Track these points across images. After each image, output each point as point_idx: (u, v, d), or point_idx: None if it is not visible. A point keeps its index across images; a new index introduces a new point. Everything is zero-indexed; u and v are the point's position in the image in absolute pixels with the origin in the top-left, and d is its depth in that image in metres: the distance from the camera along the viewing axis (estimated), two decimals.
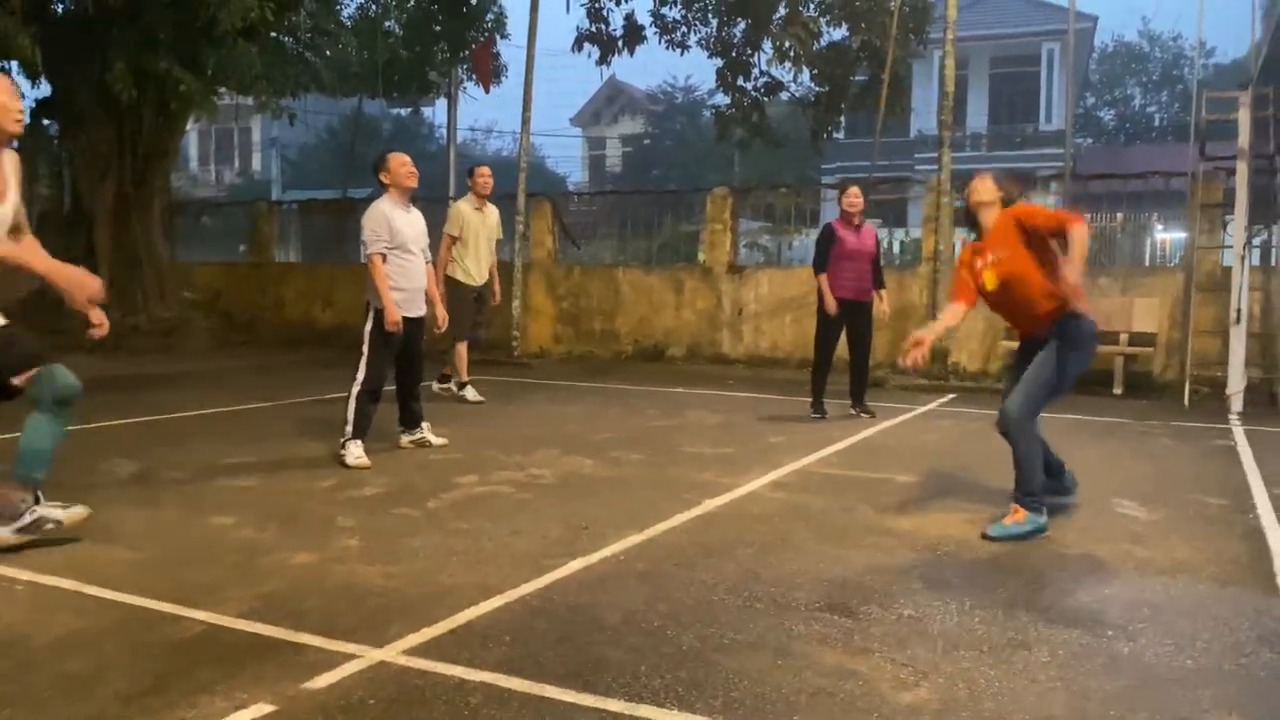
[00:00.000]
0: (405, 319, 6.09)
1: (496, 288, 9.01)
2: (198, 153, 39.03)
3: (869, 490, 5.51)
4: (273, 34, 14.16)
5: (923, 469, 6.10)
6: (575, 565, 3.98)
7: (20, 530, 4.01)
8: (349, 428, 5.99)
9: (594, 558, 4.09)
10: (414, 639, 3.15)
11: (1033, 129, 28.95)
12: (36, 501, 4.09)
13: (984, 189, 4.77)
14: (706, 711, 2.68)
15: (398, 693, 2.77)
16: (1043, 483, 4.71)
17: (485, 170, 8.99)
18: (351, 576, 3.80)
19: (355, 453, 5.95)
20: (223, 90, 14.54)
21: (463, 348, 8.76)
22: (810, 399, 8.12)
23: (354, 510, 4.83)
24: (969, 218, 4.87)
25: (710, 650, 3.12)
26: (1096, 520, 4.92)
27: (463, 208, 8.76)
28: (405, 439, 6.55)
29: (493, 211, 8.96)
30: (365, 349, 6.09)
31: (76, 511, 4.17)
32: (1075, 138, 26.36)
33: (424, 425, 6.60)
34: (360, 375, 6.07)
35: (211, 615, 3.35)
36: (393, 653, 3.04)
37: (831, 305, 7.80)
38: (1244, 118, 9.12)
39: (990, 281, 4.72)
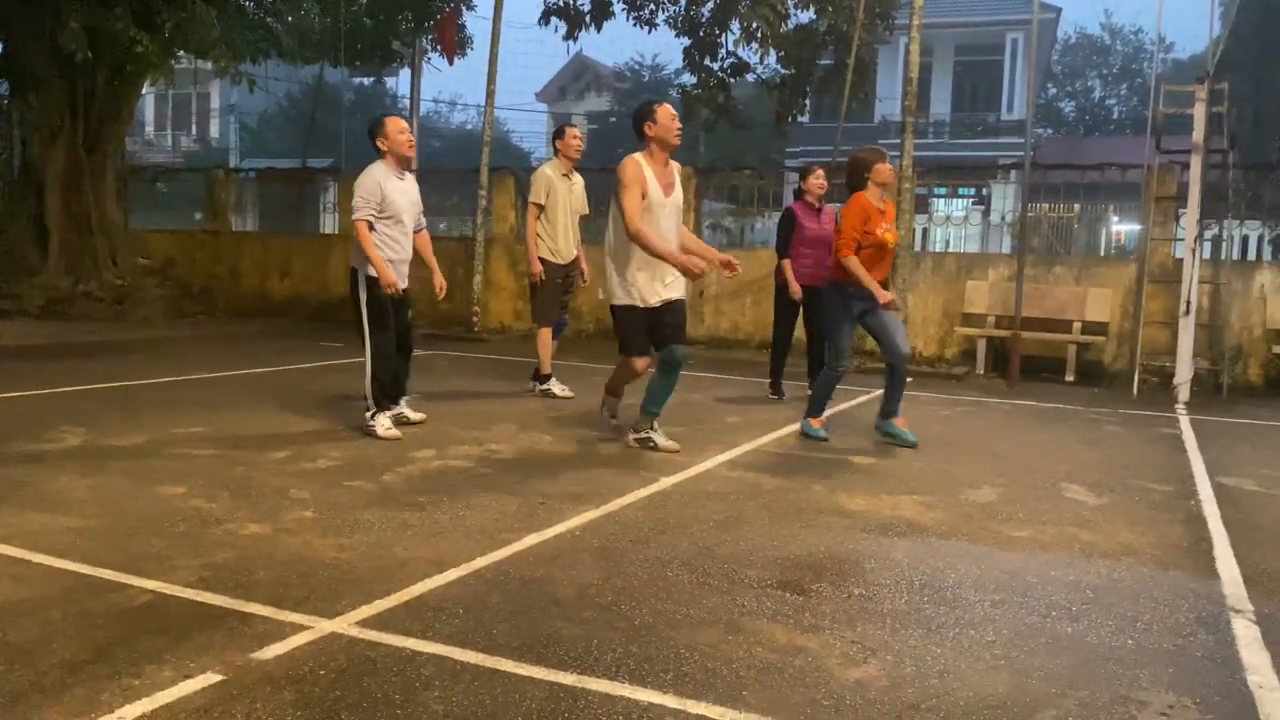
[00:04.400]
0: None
1: (585, 266, 7.84)
2: (154, 117, 38.24)
3: (824, 470, 5.56)
4: None
5: (877, 450, 6.17)
6: (530, 540, 3.98)
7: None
8: (370, 401, 5.94)
9: (549, 533, 4.09)
10: (366, 611, 3.14)
11: (995, 118, 29.21)
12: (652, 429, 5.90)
13: (890, 172, 6.39)
14: (657, 685, 2.70)
15: (348, 663, 2.76)
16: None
17: (576, 131, 7.76)
18: (303, 548, 3.77)
19: (384, 424, 5.93)
20: (180, 54, 14.25)
21: (547, 334, 7.76)
22: (769, 380, 8.18)
23: (308, 482, 4.79)
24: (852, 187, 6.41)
25: (662, 625, 3.14)
26: (1044, 504, 5.01)
27: (548, 173, 7.60)
28: None
29: (579, 181, 7.81)
30: (365, 319, 5.92)
31: None
32: (1036, 128, 26.64)
33: (403, 400, 6.35)
34: (369, 347, 5.93)
35: (159, 584, 3.31)
36: (344, 624, 3.03)
37: (796, 291, 7.84)
38: (1199, 112, 9.26)
39: (891, 241, 6.37)
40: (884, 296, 6.21)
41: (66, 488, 4.51)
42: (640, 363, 5.81)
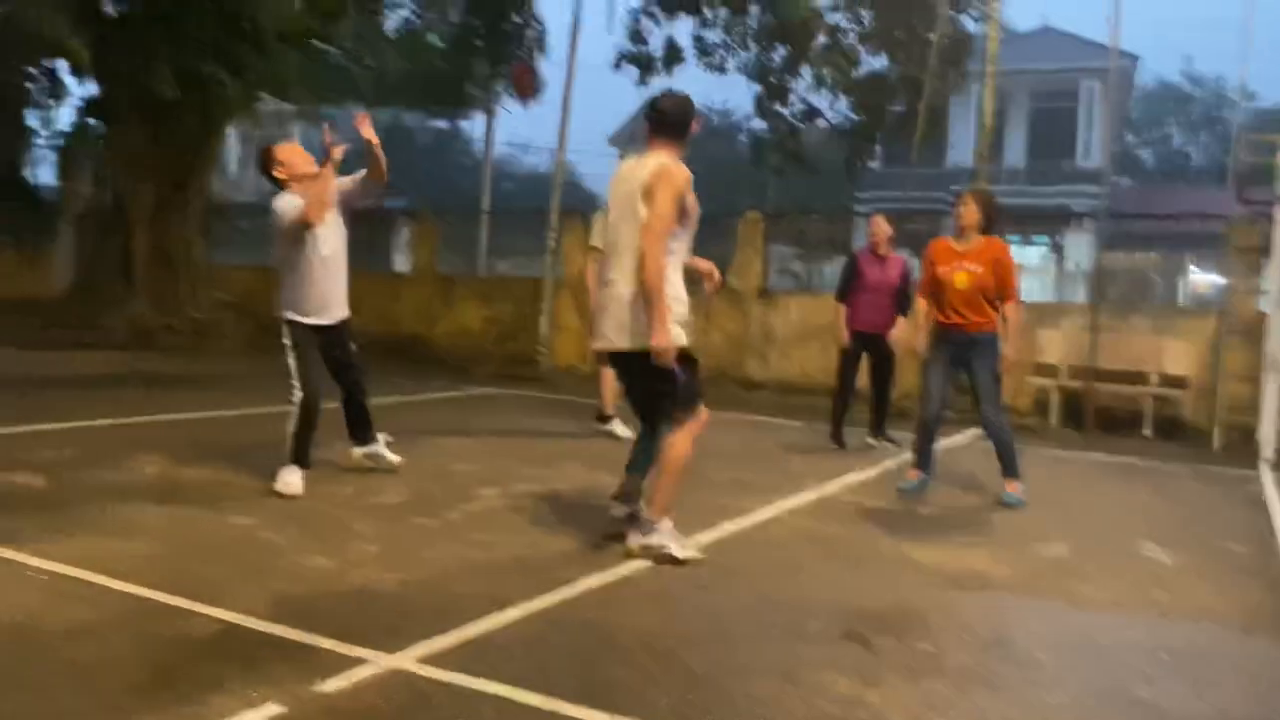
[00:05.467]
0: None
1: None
2: (237, 157, 39.54)
3: (890, 521, 5.46)
4: (315, 42, 14.36)
5: (946, 502, 6.04)
6: (591, 581, 3.97)
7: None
8: (288, 450, 5.37)
9: (610, 575, 4.07)
10: (427, 647, 3.15)
11: (1070, 165, 28.77)
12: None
13: (969, 214, 6.03)
14: None
15: (409, 699, 2.77)
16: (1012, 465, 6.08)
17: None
18: (367, 582, 3.81)
19: (288, 479, 5.25)
20: (264, 96, 14.76)
21: (609, 375, 7.38)
22: (830, 428, 8.07)
23: (373, 518, 4.85)
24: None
25: (721, 673, 3.10)
26: (1119, 561, 4.85)
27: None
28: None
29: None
30: (292, 364, 5.38)
31: None
32: (1113, 176, 26.19)
33: (380, 439, 5.91)
34: (296, 394, 5.36)
35: (226, 613, 3.36)
36: (405, 660, 3.04)
37: (841, 338, 7.80)
38: None
39: (961, 282, 5.95)
40: (902, 343, 6.23)
41: (141, 515, 4.62)
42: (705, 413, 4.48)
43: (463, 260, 16.72)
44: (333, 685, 2.82)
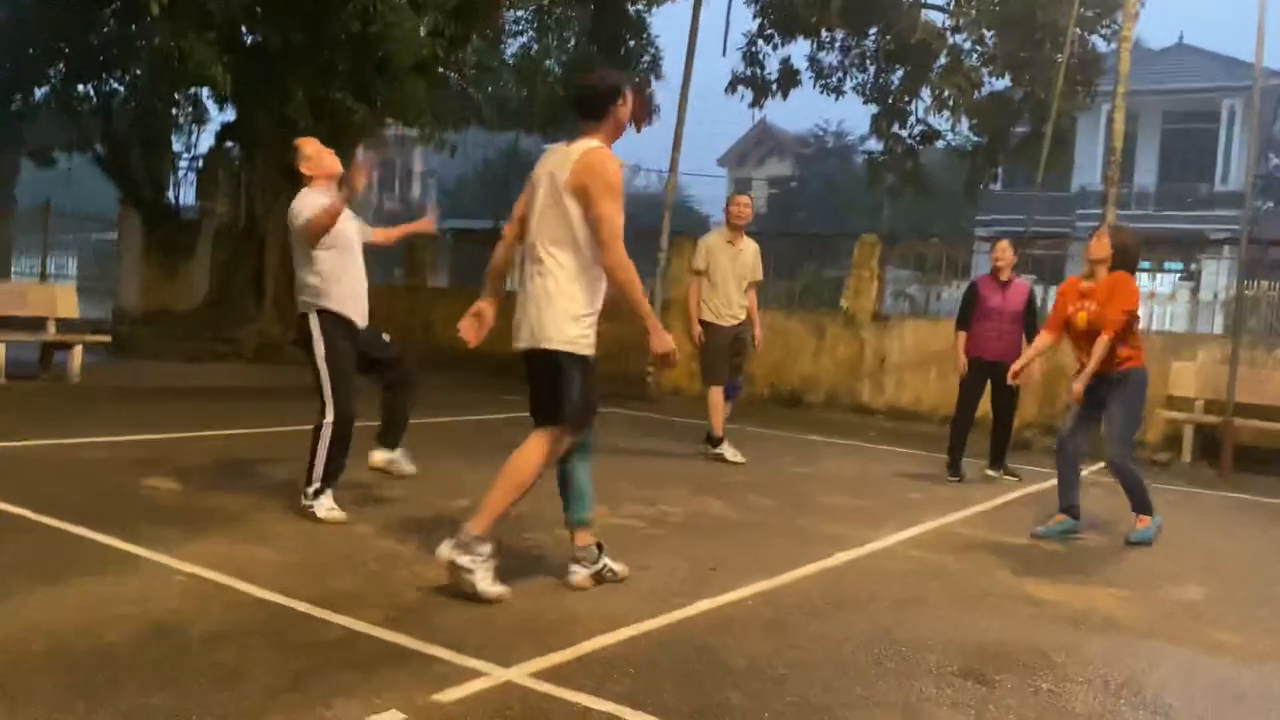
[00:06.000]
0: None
1: (759, 331, 8.10)
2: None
3: (1011, 555, 5.29)
4: (440, 70, 14.83)
5: (1070, 537, 5.82)
6: (702, 605, 3.96)
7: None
8: (314, 475, 5.06)
9: (721, 600, 4.06)
10: (541, 662, 3.19)
11: (1207, 189, 27.51)
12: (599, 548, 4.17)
13: (1099, 248, 5.76)
14: None
15: (523, 713, 2.81)
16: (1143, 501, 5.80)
17: (741, 199, 8.13)
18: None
19: (327, 504, 5.01)
20: (388, 122, 15.29)
21: (717, 395, 7.83)
22: (947, 458, 7.86)
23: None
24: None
25: (836, 704, 3.05)
26: (1259, 609, 4.60)
27: (710, 240, 7.98)
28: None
29: (749, 246, 7.95)
30: (325, 372, 5.19)
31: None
32: (1255, 200, 24.93)
33: (399, 451, 5.50)
34: (330, 410, 5.18)
35: (350, 620, 3.47)
36: (519, 674, 3.09)
37: (960, 365, 7.62)
38: None
39: (1081, 322, 5.71)
40: (1018, 373, 6.15)
41: (271, 522, 4.83)
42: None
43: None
44: (451, 695, 2.89)
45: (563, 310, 3.85)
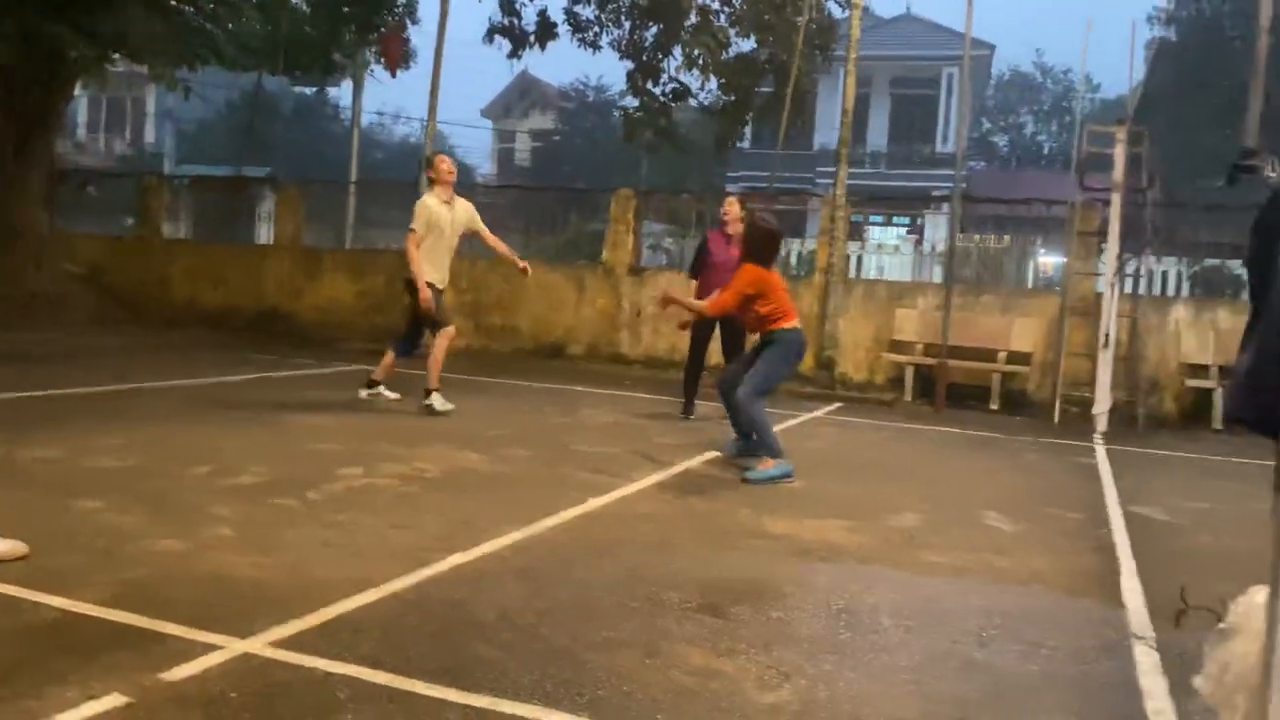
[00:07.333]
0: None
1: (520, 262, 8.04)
2: (86, 120, 37.31)
3: (751, 493, 5.62)
4: (172, 2, 13.67)
5: (804, 474, 6.25)
6: (454, 560, 3.97)
7: None
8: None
9: (473, 554, 4.08)
10: (281, 631, 3.10)
11: (930, 150, 29.86)
12: None
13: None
14: (571, 709, 2.72)
15: (261, 685, 2.73)
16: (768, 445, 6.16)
17: (444, 159, 8.03)
18: (221, 566, 3.72)
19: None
20: (116, 57, 13.97)
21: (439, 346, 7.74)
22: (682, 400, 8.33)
23: (229, 499, 4.71)
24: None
25: (581, 648, 3.16)
26: (963, 530, 5.13)
27: (429, 202, 7.69)
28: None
29: (461, 204, 7.85)
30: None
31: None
32: (968, 161, 27.30)
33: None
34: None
35: (69, 601, 3.23)
36: (258, 644, 2.99)
37: (691, 309, 7.97)
38: (1119, 152, 9.60)
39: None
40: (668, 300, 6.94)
41: None
42: None
43: (330, 232, 16.28)
44: (181, 673, 2.75)
45: None
